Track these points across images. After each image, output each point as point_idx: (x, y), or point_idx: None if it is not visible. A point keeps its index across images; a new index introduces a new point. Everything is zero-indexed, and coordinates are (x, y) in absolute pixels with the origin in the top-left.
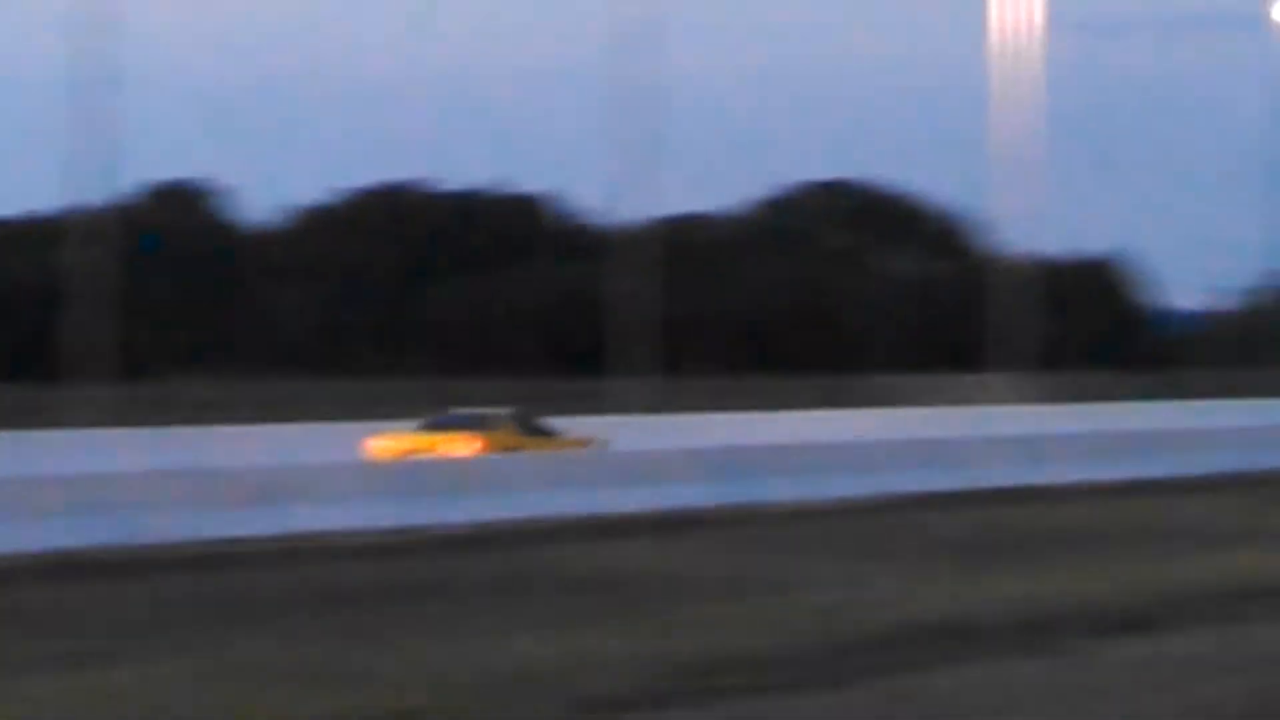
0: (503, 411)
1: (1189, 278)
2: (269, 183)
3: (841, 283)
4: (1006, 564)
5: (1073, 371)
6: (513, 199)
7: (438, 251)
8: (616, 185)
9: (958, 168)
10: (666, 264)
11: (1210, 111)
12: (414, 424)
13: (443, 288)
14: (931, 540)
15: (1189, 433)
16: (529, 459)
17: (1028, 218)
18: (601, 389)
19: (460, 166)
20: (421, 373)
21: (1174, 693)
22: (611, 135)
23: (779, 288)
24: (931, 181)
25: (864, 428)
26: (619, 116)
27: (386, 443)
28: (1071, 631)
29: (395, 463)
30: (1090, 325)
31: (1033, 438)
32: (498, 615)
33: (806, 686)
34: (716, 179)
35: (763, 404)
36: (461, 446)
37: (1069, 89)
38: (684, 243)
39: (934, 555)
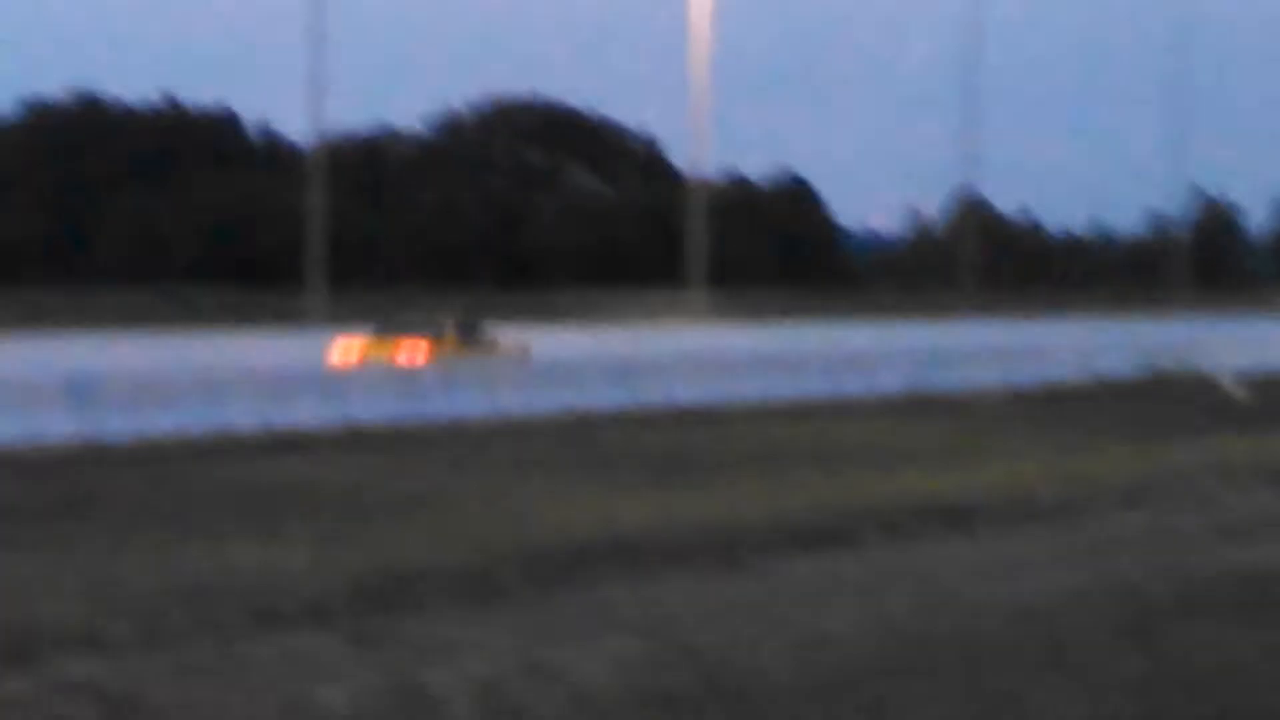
0: (447, 319)
1: (881, 200)
2: None
3: (533, 200)
4: (694, 480)
5: (763, 290)
6: (196, 113)
7: (118, 164)
8: (304, 102)
9: (652, 88)
10: (353, 179)
11: (904, 37)
12: (368, 330)
13: (122, 200)
14: (621, 457)
15: (874, 352)
16: (208, 372)
17: (720, 138)
18: (285, 302)
19: (146, 80)
20: (101, 283)
21: (855, 606)
22: (298, 52)
23: (468, 204)
24: (625, 101)
25: (554, 344)
26: (307, 34)
27: (348, 346)
28: (758, 547)
29: (70, 375)
30: (781, 245)
31: (722, 355)
32: (178, 528)
33: (495, 599)
34: (404, 96)
35: None
36: (412, 350)
37: (762, 13)
38: (371, 158)
39: (624, 471)
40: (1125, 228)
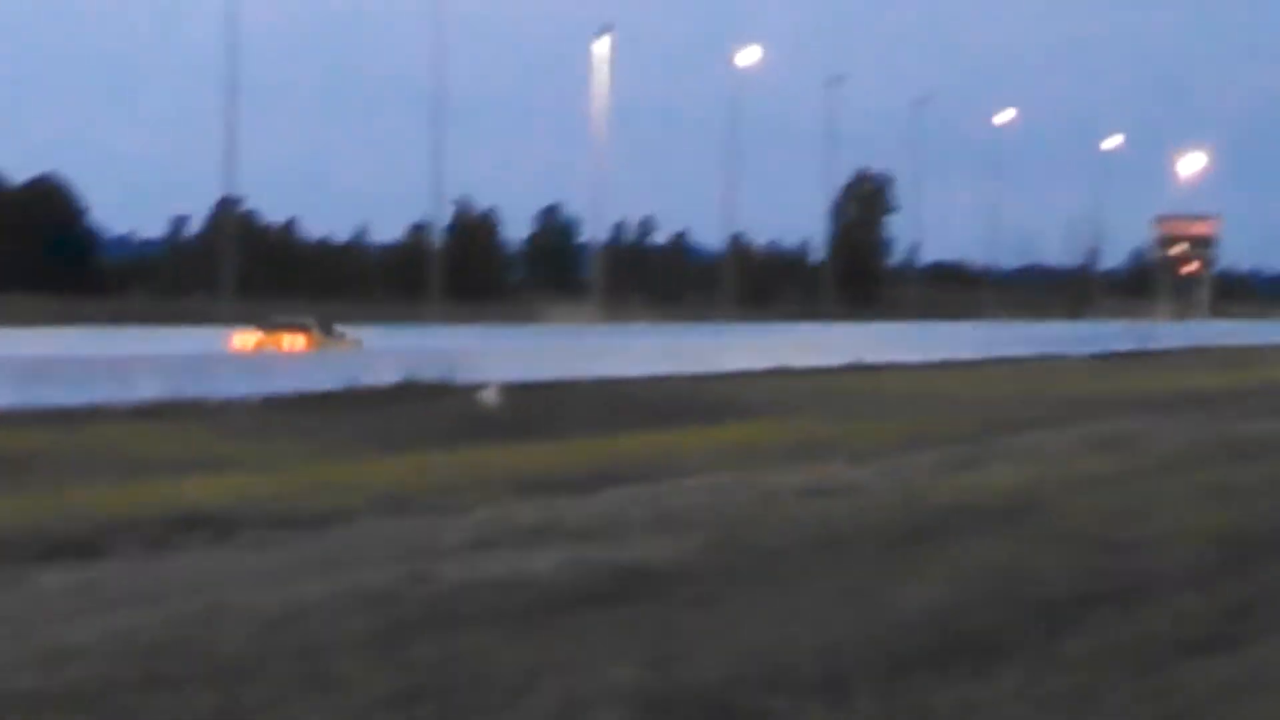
0: (310, 319)
1: (144, 205)
2: None
3: None
4: None
5: (14, 293)
6: None
7: None
8: None
9: None
10: None
11: (170, 35)
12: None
13: None
14: None
15: (129, 359)
16: None
17: None
18: None
19: None
20: None
21: (105, 618)
22: None
23: None
24: None
25: None
26: None
27: (245, 338)
28: (6, 558)
29: None
30: (38, 247)
31: None
32: None
33: None
34: None
35: None
36: (295, 342)
37: (34, 9)
38: None
39: None
40: (388, 236)
